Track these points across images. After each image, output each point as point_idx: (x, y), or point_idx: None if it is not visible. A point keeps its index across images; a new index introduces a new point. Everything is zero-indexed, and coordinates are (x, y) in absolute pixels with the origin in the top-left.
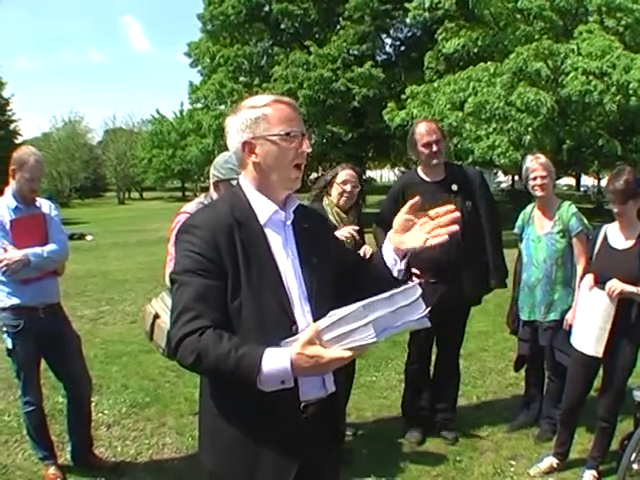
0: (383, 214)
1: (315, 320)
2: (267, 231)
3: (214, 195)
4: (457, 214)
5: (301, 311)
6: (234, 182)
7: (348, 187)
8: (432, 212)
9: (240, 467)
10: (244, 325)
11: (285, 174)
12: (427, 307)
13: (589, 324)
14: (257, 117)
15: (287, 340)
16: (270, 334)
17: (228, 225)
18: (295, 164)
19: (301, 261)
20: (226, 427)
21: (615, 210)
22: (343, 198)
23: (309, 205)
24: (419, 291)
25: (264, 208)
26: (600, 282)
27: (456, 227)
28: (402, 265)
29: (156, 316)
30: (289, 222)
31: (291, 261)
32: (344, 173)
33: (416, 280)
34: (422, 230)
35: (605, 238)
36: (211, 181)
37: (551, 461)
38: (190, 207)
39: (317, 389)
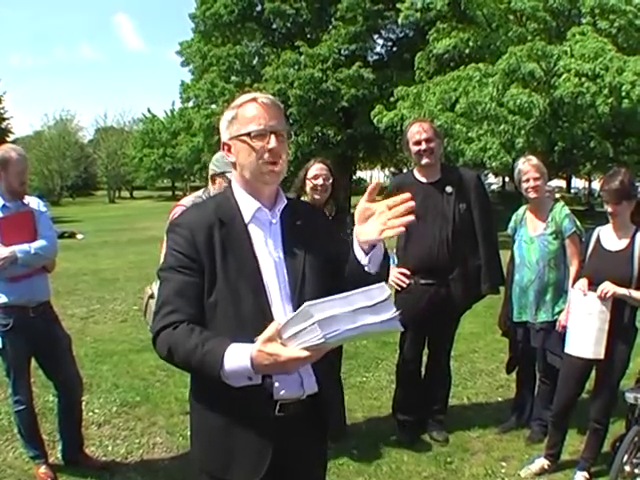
0: None
1: None
2: (251, 229)
3: (212, 190)
4: (412, 203)
5: (282, 310)
6: (229, 175)
7: (320, 181)
8: (390, 201)
9: (218, 460)
10: (220, 321)
11: (256, 171)
12: (397, 310)
13: (585, 329)
14: (232, 117)
15: (258, 337)
16: (247, 331)
17: (208, 223)
18: (264, 161)
19: (286, 260)
20: (205, 420)
21: (609, 210)
22: (317, 192)
23: None
24: (387, 292)
25: (248, 206)
26: (594, 284)
27: (411, 217)
28: (366, 260)
29: (151, 296)
30: (275, 220)
31: (274, 260)
32: (314, 168)
33: (402, 280)
34: (379, 221)
35: (598, 240)
36: (209, 175)
37: (542, 462)
38: (187, 200)
39: (294, 389)
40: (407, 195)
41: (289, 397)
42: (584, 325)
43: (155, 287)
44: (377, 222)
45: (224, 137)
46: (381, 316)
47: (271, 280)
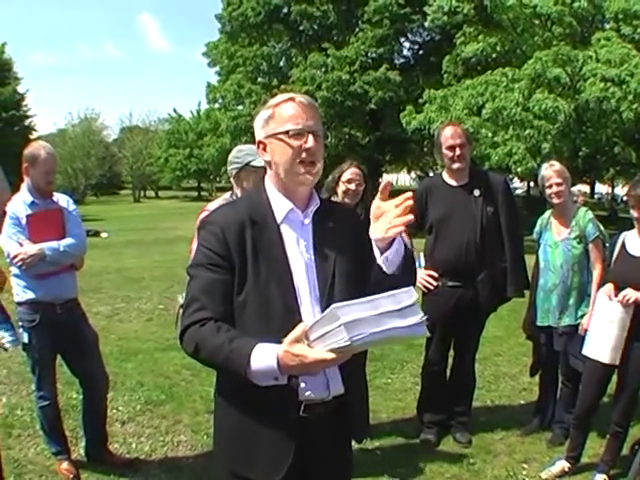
0: None
1: None
2: (283, 230)
3: (238, 192)
4: (410, 202)
5: (311, 312)
6: (254, 163)
7: (353, 186)
8: (397, 200)
9: (239, 456)
10: (248, 320)
11: (291, 171)
12: (424, 314)
13: (605, 333)
14: (269, 116)
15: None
16: (275, 331)
17: (240, 222)
18: (300, 161)
19: (317, 261)
20: (229, 417)
21: (635, 215)
22: (348, 196)
23: None
24: (414, 296)
25: (281, 206)
26: (618, 289)
27: (411, 217)
28: (382, 259)
29: (182, 306)
30: (307, 221)
31: (305, 261)
32: (349, 172)
33: (429, 282)
34: (386, 219)
35: (623, 245)
36: (232, 177)
37: (563, 465)
38: (213, 205)
39: (320, 390)
40: (409, 194)
41: (314, 398)
42: (604, 330)
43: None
44: (385, 221)
45: (259, 135)
46: (407, 320)
47: (301, 281)
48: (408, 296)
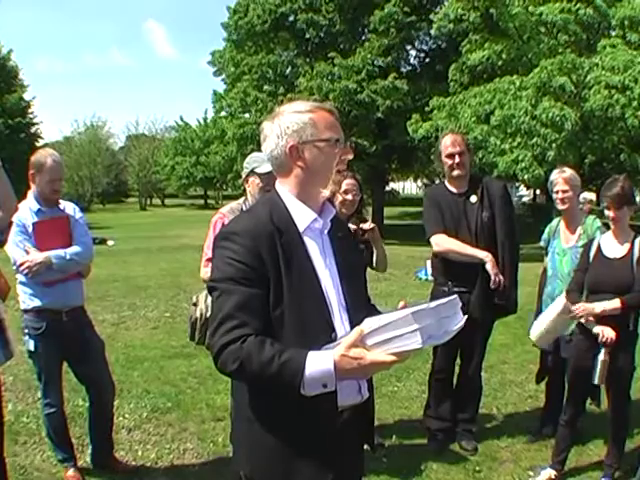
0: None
1: (352, 329)
2: (305, 239)
3: (250, 199)
4: None
5: (340, 319)
6: (258, 170)
7: (349, 196)
8: None
9: (276, 472)
10: (286, 333)
11: (327, 179)
12: (464, 315)
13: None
14: (304, 122)
15: (328, 346)
16: (311, 342)
17: (269, 232)
18: (338, 170)
19: (339, 270)
20: (262, 433)
21: (611, 216)
22: (345, 207)
23: None
24: (460, 304)
25: (303, 216)
26: (596, 293)
27: None
28: None
29: (194, 304)
30: (326, 231)
31: (329, 270)
32: (345, 183)
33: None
34: None
35: (599, 248)
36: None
37: (550, 473)
38: (226, 209)
39: (354, 395)
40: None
41: (350, 403)
42: (546, 316)
43: (201, 296)
44: None
45: (288, 141)
46: (455, 325)
47: (330, 292)
48: (457, 303)
